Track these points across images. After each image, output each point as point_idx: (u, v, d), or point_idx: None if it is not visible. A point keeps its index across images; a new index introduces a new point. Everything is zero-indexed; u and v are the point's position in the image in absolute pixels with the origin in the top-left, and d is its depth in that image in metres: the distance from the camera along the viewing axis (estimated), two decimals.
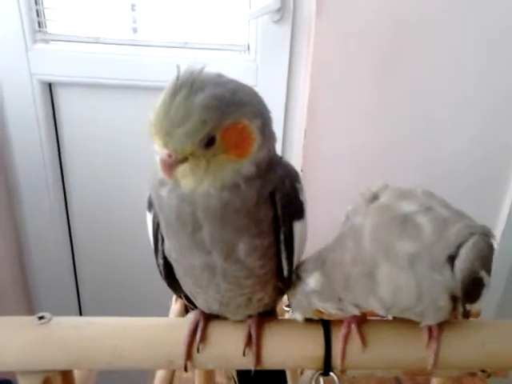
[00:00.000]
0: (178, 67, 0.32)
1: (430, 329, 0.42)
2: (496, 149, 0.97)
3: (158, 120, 0.32)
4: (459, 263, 0.36)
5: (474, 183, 0.99)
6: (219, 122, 0.32)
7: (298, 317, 0.43)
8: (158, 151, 0.34)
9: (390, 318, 0.44)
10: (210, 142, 0.33)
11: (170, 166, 0.34)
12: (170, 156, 0.33)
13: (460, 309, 0.39)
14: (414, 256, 0.36)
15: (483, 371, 0.53)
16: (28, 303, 1.18)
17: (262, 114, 0.35)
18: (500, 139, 0.96)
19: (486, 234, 0.38)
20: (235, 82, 0.35)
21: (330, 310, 0.42)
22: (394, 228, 0.37)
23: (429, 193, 0.41)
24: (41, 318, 0.42)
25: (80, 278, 1.20)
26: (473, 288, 0.37)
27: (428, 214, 0.37)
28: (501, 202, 1.02)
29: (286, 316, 0.68)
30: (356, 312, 0.41)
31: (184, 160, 0.34)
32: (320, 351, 0.43)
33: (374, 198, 0.41)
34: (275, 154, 0.39)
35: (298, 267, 0.43)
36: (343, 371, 0.51)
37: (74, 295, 1.21)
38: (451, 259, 0.36)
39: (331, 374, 0.44)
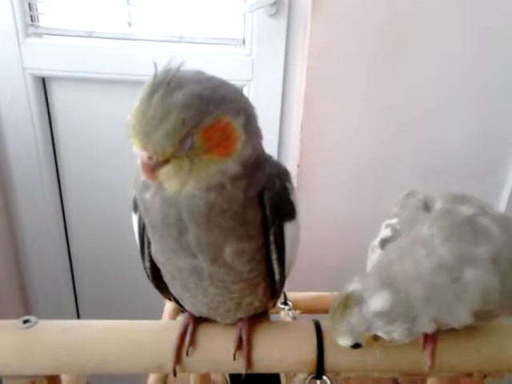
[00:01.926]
0: (156, 65, 0.31)
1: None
2: (492, 142, 0.96)
3: (135, 121, 0.31)
4: None
5: (471, 177, 0.98)
6: (199, 120, 0.31)
7: (345, 342, 0.39)
8: (138, 153, 0.33)
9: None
10: (191, 142, 0.32)
11: (152, 168, 0.32)
12: (150, 158, 0.32)
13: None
14: (494, 257, 0.36)
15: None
16: (24, 305, 1.17)
17: (245, 111, 0.34)
18: (497, 132, 0.95)
19: None
20: (216, 79, 0.33)
21: (394, 333, 0.38)
22: (466, 233, 0.37)
23: (475, 196, 0.41)
24: (26, 321, 0.41)
25: (77, 278, 1.19)
26: None
27: (487, 216, 0.38)
28: (498, 196, 1.01)
29: (282, 314, 0.67)
30: (431, 329, 0.38)
31: (166, 162, 0.32)
32: (312, 354, 0.42)
33: (426, 206, 0.41)
34: (262, 152, 0.37)
35: (349, 287, 0.39)
36: (337, 373, 0.50)
37: (71, 295, 1.20)
38: None
39: (324, 377, 0.43)
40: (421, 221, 0.39)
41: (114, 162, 1.05)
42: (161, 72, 0.31)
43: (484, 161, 0.97)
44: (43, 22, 0.97)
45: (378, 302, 0.37)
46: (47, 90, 1.01)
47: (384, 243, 0.42)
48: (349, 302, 0.38)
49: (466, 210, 0.38)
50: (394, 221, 0.42)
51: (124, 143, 1.09)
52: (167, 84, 0.31)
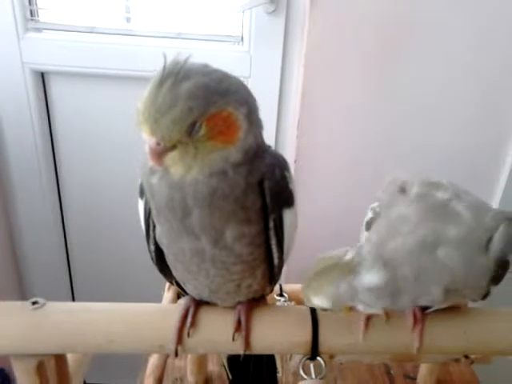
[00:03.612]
0: (165, 57, 0.33)
1: (414, 313, 0.44)
2: (487, 139, 0.98)
3: (145, 108, 0.33)
4: (494, 246, 0.39)
5: (466, 173, 1.00)
6: (205, 109, 0.33)
7: (321, 303, 0.41)
8: (147, 140, 0.34)
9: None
10: (196, 130, 0.34)
11: (159, 154, 0.34)
12: (158, 144, 0.34)
13: (484, 291, 0.42)
14: (462, 239, 0.38)
15: (466, 357, 0.55)
16: (20, 290, 1.19)
17: (247, 102, 0.36)
18: (491, 129, 0.97)
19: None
20: (221, 71, 0.36)
21: (377, 307, 0.40)
22: (438, 215, 0.39)
23: (453, 183, 0.43)
24: (34, 303, 0.43)
25: (73, 265, 1.20)
26: (501, 270, 0.40)
27: (461, 202, 0.40)
28: (493, 193, 1.03)
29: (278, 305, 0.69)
30: (406, 308, 0.41)
31: (172, 148, 0.34)
32: (308, 336, 0.44)
33: (403, 190, 0.43)
34: (263, 142, 0.39)
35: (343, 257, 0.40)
36: (331, 357, 0.53)
37: (67, 282, 1.21)
38: (489, 242, 0.39)
39: (318, 358, 0.45)
40: (398, 202, 0.42)
41: (113, 157, 1.06)
42: (170, 63, 0.33)
43: (478, 157, 0.99)
44: (43, 16, 0.97)
45: (373, 278, 0.38)
46: (46, 85, 1.01)
47: (368, 225, 0.44)
48: (345, 269, 0.39)
49: (440, 195, 0.41)
50: (375, 204, 0.45)
51: (122, 138, 1.10)
52: (176, 74, 0.33)
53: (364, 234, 0.45)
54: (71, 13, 0.97)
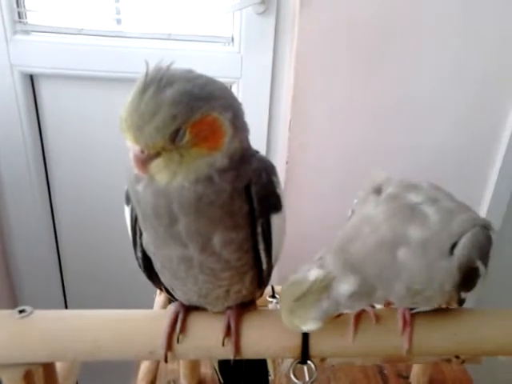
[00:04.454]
0: (147, 63, 0.33)
1: (403, 315, 0.44)
2: (478, 137, 0.98)
3: (128, 116, 0.33)
4: (457, 251, 0.38)
5: (456, 173, 1.01)
6: (188, 116, 0.33)
7: (315, 327, 0.41)
8: (131, 147, 0.34)
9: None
10: (180, 136, 0.33)
11: (144, 161, 0.34)
12: (142, 152, 0.34)
13: (455, 296, 0.41)
14: (424, 242, 0.38)
15: (457, 357, 0.55)
16: (12, 297, 1.18)
17: (232, 107, 0.36)
18: (481, 128, 0.98)
19: (487, 227, 0.40)
20: (205, 76, 0.35)
21: (360, 307, 0.42)
22: (405, 216, 0.39)
23: (435, 186, 0.43)
24: (21, 311, 0.42)
25: (65, 270, 1.20)
26: (468, 276, 0.39)
27: (434, 205, 0.40)
28: (483, 191, 1.04)
29: (270, 307, 0.69)
30: (381, 303, 0.43)
31: (157, 155, 0.34)
32: (298, 341, 0.44)
33: (379, 189, 0.43)
34: (249, 147, 0.39)
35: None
36: (322, 360, 0.53)
37: (59, 288, 1.21)
38: (453, 247, 0.38)
39: (309, 362, 0.45)
40: (370, 202, 0.42)
41: (103, 160, 1.06)
42: (152, 70, 0.33)
43: (468, 156, 1.00)
44: (31, 18, 0.97)
45: (347, 286, 0.39)
46: (35, 88, 1.01)
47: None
48: (318, 291, 0.39)
49: (413, 197, 0.41)
50: (355, 202, 0.45)
51: (113, 140, 1.10)
52: (158, 81, 0.32)
53: None
54: (60, 15, 0.97)
